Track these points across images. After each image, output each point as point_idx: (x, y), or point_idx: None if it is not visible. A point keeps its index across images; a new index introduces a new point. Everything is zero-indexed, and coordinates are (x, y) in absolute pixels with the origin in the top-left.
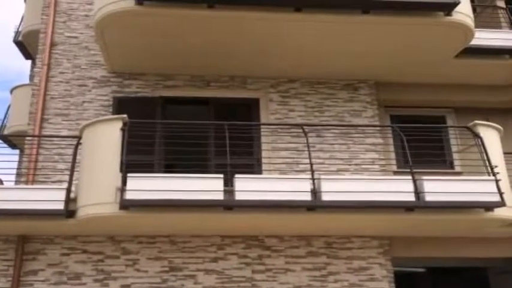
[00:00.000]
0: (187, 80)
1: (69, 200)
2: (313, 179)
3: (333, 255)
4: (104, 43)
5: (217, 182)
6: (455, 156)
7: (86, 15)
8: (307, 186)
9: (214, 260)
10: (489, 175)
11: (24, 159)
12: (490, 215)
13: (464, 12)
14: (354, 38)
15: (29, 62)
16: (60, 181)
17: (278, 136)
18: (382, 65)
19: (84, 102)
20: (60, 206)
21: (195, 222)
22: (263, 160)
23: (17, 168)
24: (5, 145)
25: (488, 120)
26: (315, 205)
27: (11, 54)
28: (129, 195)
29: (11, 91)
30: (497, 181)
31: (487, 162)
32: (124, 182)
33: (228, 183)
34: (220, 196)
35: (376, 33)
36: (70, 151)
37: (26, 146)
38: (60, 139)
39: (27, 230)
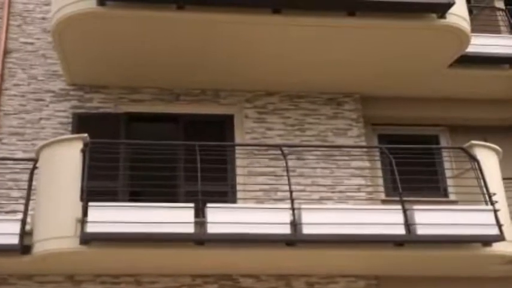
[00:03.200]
0: (154, 93)
1: (24, 234)
2: (292, 208)
3: None
4: (63, 50)
5: (188, 212)
6: (449, 182)
7: (43, 18)
8: (287, 217)
9: None
10: (487, 204)
11: None
12: (488, 250)
13: (459, 14)
14: (338, 45)
15: None
16: (15, 211)
17: (255, 159)
18: (368, 76)
19: (41, 119)
20: (15, 240)
21: (163, 259)
22: (238, 187)
23: None
24: None
25: (486, 141)
26: (295, 239)
27: None
28: (90, 228)
29: None
30: (495, 211)
31: (484, 190)
32: (85, 213)
33: (200, 213)
34: (190, 229)
35: (362, 40)
36: (26, 176)
37: None
38: (14, 162)
39: None
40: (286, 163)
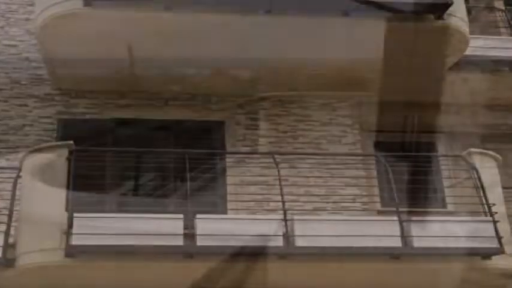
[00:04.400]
0: (142, 98)
1: (7, 246)
2: (285, 220)
3: None
4: (47, 53)
5: (177, 224)
6: (447, 192)
7: (27, 19)
8: (279, 228)
9: None
10: (486, 215)
11: None
12: (487, 263)
13: (458, 15)
14: (332, 47)
15: None
16: None
17: (246, 167)
18: (363, 79)
19: (24, 125)
20: None
21: (151, 273)
22: (229, 196)
23: None
24: None
25: (485, 148)
26: (288, 252)
27: None
28: (76, 240)
29: None
30: (495, 223)
31: (483, 200)
32: (70, 224)
33: (188, 224)
34: (179, 241)
35: (357, 42)
36: (9, 185)
37: None
38: None
39: None
40: (279, 172)
